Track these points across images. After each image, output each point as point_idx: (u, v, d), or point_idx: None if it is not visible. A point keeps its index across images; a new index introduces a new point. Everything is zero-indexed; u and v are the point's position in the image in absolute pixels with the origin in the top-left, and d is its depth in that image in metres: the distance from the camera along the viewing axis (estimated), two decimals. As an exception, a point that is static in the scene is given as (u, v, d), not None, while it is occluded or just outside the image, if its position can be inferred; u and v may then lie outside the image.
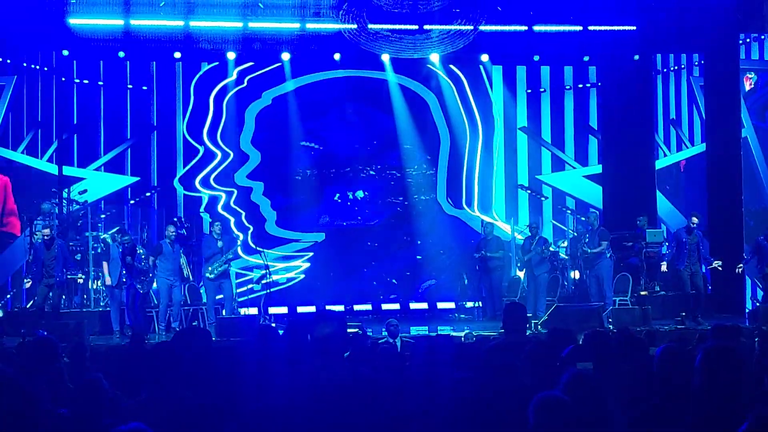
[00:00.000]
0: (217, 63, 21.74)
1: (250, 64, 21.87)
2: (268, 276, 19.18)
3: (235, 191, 22.09)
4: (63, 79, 20.81)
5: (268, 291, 19.40)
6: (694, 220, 18.37)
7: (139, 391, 6.36)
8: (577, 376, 5.12)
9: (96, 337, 16.83)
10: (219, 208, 21.85)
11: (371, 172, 22.77)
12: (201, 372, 6.38)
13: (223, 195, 22.00)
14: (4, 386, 5.16)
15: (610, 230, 19.58)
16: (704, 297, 18.54)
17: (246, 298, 21.19)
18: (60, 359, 8.05)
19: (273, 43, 20.64)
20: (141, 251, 17.71)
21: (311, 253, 22.40)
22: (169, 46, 20.51)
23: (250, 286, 21.12)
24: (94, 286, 19.22)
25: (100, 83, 21.64)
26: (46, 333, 14.22)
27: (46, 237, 17.13)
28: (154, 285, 18.45)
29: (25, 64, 20.53)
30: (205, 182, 21.95)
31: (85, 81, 21.53)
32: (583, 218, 21.00)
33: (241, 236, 21.49)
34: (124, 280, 17.60)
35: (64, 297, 18.51)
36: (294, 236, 22.43)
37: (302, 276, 22.26)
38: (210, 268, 18.43)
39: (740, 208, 20.40)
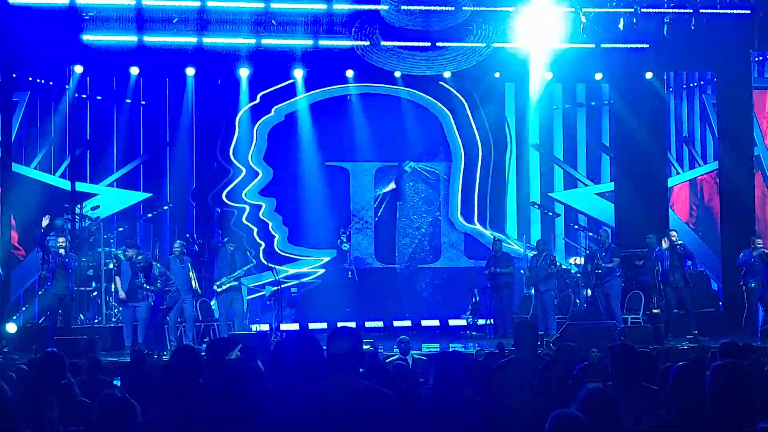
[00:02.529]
0: (230, 79, 21.77)
1: (263, 80, 21.90)
2: (279, 292, 19.18)
3: (248, 207, 22.11)
4: (76, 95, 20.85)
5: (280, 307, 19.39)
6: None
7: (147, 408, 6.36)
8: (593, 394, 5.10)
9: (107, 353, 16.81)
10: (231, 225, 21.87)
11: (384, 188, 22.79)
12: (213, 388, 6.36)
13: (235, 211, 22.03)
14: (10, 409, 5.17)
15: (622, 248, 19.54)
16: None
17: (257, 301, 21.15)
18: (67, 374, 8.04)
19: (286, 60, 20.67)
20: (157, 271, 17.65)
21: (323, 270, 22.42)
22: (182, 63, 20.57)
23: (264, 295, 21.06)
24: (107, 301, 19.23)
25: (113, 99, 21.70)
26: (54, 349, 14.22)
27: (61, 247, 17.18)
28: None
29: (38, 80, 20.61)
30: (217, 198, 21.98)
31: (99, 97, 21.59)
32: (593, 235, 20.97)
33: (252, 252, 21.52)
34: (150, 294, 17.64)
35: (82, 316, 18.61)
36: (306, 253, 22.43)
37: (314, 292, 22.22)
38: (218, 282, 18.45)
39: (753, 226, 20.34)
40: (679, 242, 18.49)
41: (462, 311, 21.67)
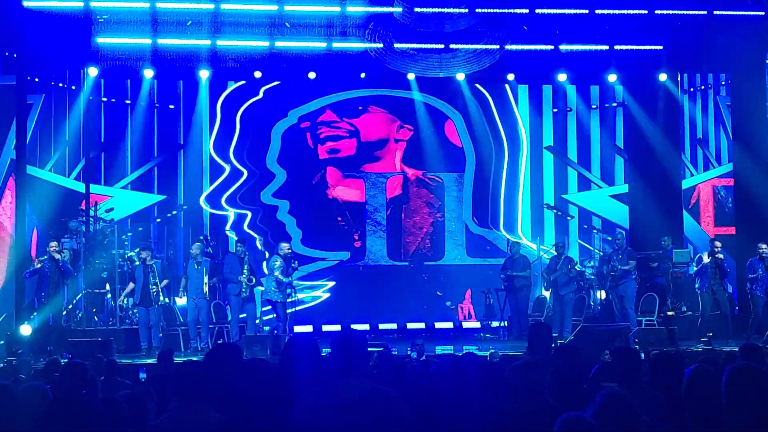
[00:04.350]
0: (243, 82, 21.85)
1: (277, 83, 21.97)
2: (293, 294, 19.17)
3: (261, 210, 22.15)
4: (90, 97, 20.89)
5: (293, 310, 19.39)
6: None
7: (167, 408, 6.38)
8: (611, 397, 5.08)
9: (122, 356, 16.84)
10: (245, 227, 21.91)
11: (398, 192, 22.85)
12: (227, 389, 6.38)
13: (249, 213, 22.07)
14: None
15: (636, 250, 19.51)
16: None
17: (271, 316, 21.14)
18: (91, 383, 8.05)
19: (299, 62, 20.69)
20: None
21: (337, 272, 22.43)
22: (195, 65, 20.61)
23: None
24: (122, 303, 19.25)
25: (127, 102, 21.76)
26: (70, 356, 14.25)
27: (53, 251, 17.30)
28: (180, 302, 18.62)
29: (52, 83, 20.65)
30: (231, 201, 22.02)
31: (113, 100, 21.66)
32: (609, 238, 20.94)
33: (267, 254, 21.55)
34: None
35: (96, 317, 18.74)
36: (320, 255, 22.44)
37: (327, 295, 22.24)
38: (243, 288, 18.43)
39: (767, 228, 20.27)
40: (720, 255, 18.33)
41: (476, 314, 21.81)
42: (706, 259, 18.36)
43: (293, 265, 18.35)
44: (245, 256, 18.70)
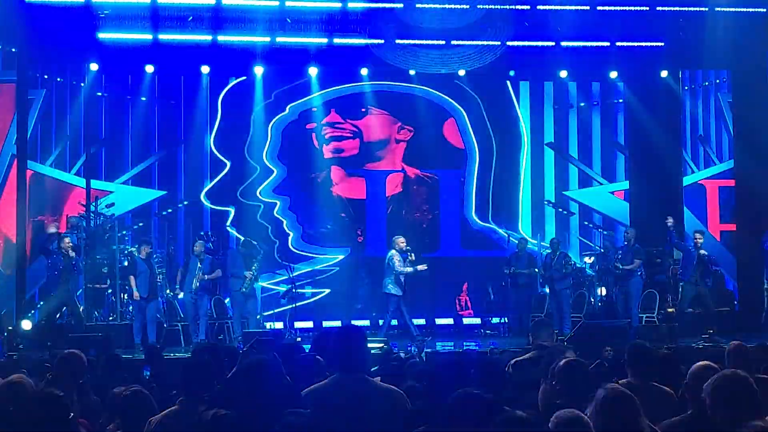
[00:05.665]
0: (244, 77, 21.82)
1: (277, 78, 21.93)
2: (293, 290, 19.18)
3: (262, 206, 22.13)
4: (92, 92, 20.88)
5: (294, 305, 19.39)
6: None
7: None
8: (612, 393, 5.07)
9: (121, 351, 16.81)
10: (245, 223, 21.88)
11: (398, 189, 22.87)
12: (227, 385, 6.38)
13: (250, 209, 22.05)
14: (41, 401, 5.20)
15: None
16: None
17: (272, 312, 21.13)
18: (87, 373, 8.08)
19: (300, 58, 20.69)
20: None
21: (337, 268, 22.41)
22: (196, 61, 20.62)
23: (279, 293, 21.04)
24: (122, 298, 19.25)
25: (128, 97, 21.73)
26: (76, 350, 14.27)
27: (69, 247, 17.31)
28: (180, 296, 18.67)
29: (54, 78, 20.65)
30: (231, 196, 21.99)
31: (113, 95, 21.62)
32: (606, 232, 20.93)
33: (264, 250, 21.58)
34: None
35: (97, 313, 18.73)
36: (320, 251, 22.44)
37: (328, 290, 22.22)
38: (245, 284, 18.44)
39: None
40: (702, 251, 18.37)
41: (476, 310, 21.82)
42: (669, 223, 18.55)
43: (410, 257, 18.37)
44: (255, 252, 18.78)
